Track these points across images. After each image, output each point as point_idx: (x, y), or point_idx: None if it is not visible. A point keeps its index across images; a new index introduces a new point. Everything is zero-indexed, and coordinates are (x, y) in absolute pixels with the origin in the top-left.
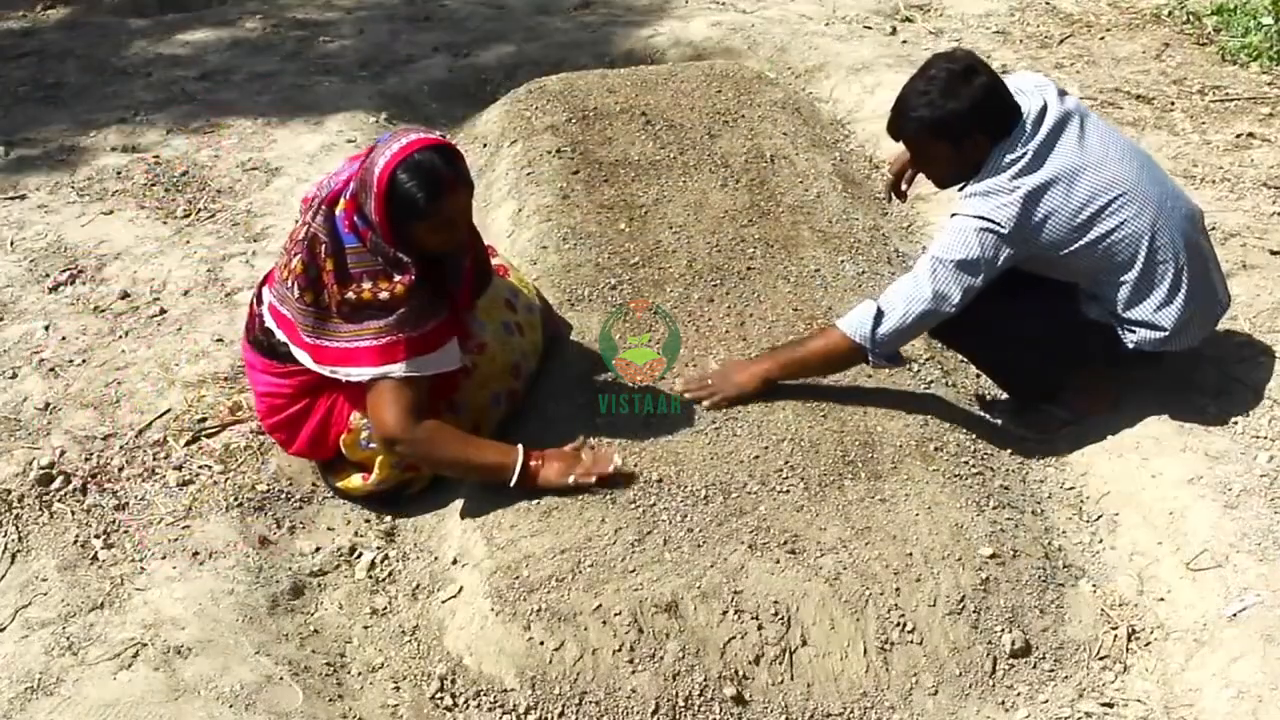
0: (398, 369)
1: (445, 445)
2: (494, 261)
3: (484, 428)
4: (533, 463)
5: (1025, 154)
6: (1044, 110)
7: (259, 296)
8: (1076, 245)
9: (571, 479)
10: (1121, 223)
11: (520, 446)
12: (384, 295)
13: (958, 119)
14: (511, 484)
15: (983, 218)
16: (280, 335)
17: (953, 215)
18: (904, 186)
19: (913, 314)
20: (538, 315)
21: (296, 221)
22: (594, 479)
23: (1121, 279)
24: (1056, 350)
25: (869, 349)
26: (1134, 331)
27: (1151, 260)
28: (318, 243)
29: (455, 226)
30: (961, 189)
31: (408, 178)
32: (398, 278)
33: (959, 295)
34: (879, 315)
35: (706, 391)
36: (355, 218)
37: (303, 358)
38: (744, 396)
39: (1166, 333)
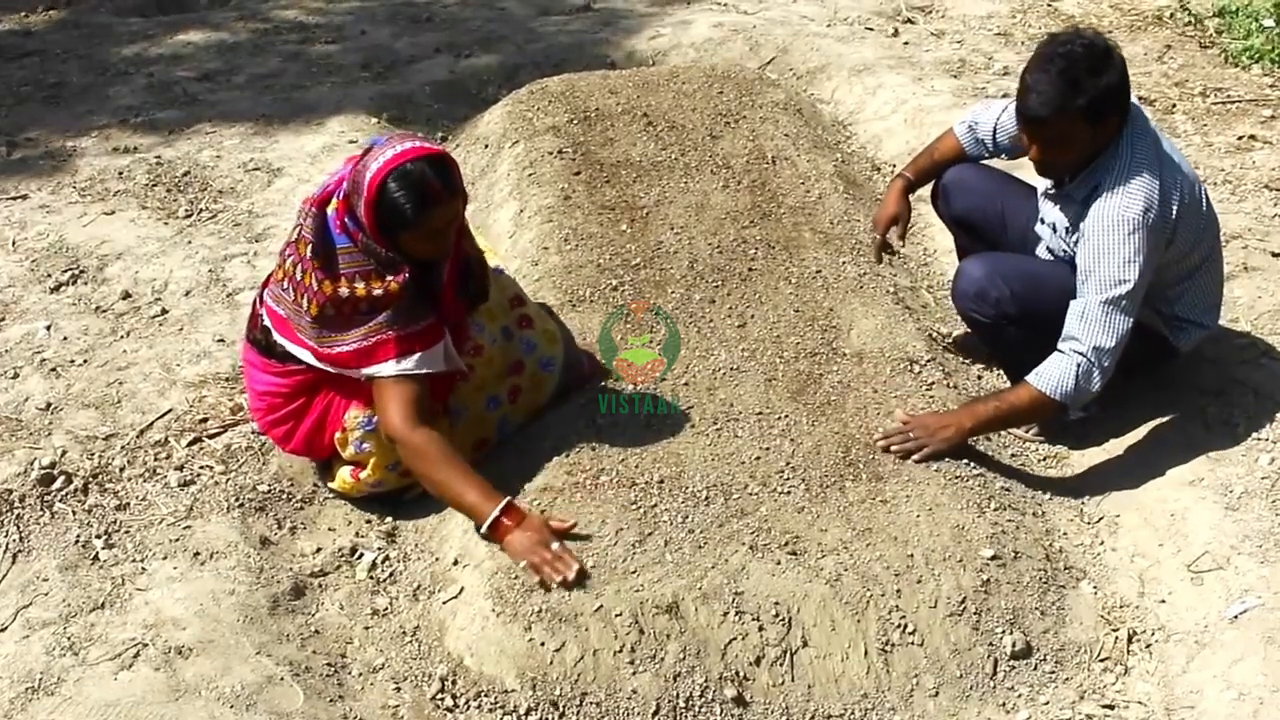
0: (389, 367)
1: (435, 464)
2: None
3: (486, 429)
4: (507, 521)
5: (1150, 141)
6: (1136, 101)
7: (261, 296)
8: (1190, 236)
9: (524, 562)
10: (1209, 218)
11: (506, 500)
12: (377, 292)
13: (1110, 95)
14: (480, 533)
15: (1133, 226)
16: (277, 335)
17: (1097, 221)
18: (898, 242)
19: (1107, 365)
20: (550, 315)
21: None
22: (546, 570)
23: (1194, 274)
24: None
25: (1070, 405)
26: (1183, 330)
27: (1214, 254)
28: (304, 244)
29: (443, 236)
30: (1061, 183)
31: (397, 187)
32: (390, 277)
33: (1134, 316)
34: (1078, 374)
35: (914, 444)
36: (346, 219)
37: (303, 355)
38: (949, 451)
39: (1209, 330)
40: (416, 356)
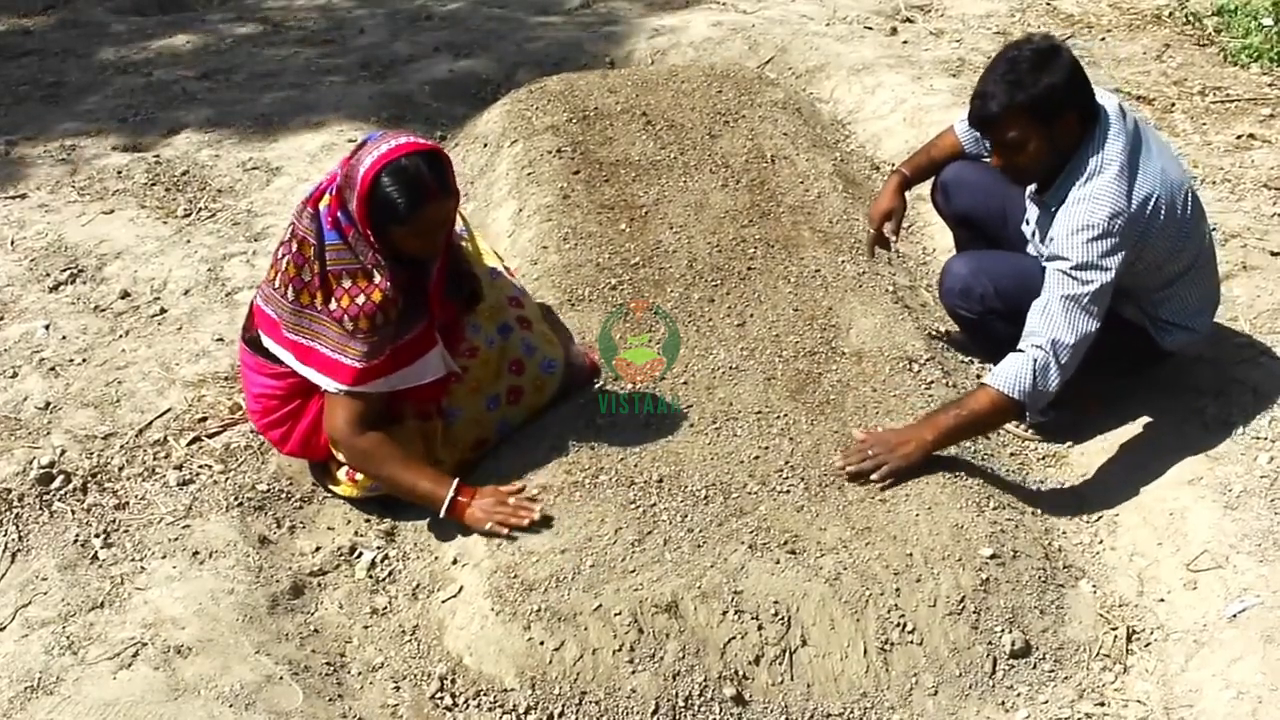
0: (379, 384)
1: (382, 462)
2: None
3: (485, 429)
4: (461, 499)
5: (1121, 147)
6: (1118, 106)
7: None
8: (1166, 244)
9: (489, 525)
10: (1194, 222)
11: (455, 481)
12: (360, 300)
13: (1054, 93)
14: (440, 516)
15: (1099, 230)
16: (264, 337)
17: (1063, 225)
18: (892, 238)
19: (1065, 361)
20: (544, 315)
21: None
22: (506, 531)
23: (1179, 280)
24: (1095, 351)
25: (1028, 404)
26: (1170, 332)
27: (1203, 262)
28: (307, 245)
29: (434, 234)
30: (1041, 190)
31: (390, 181)
32: (376, 280)
33: (1099, 321)
34: (1035, 370)
35: (872, 464)
36: (339, 214)
37: (285, 356)
38: (911, 468)
39: (1198, 335)
40: (391, 377)
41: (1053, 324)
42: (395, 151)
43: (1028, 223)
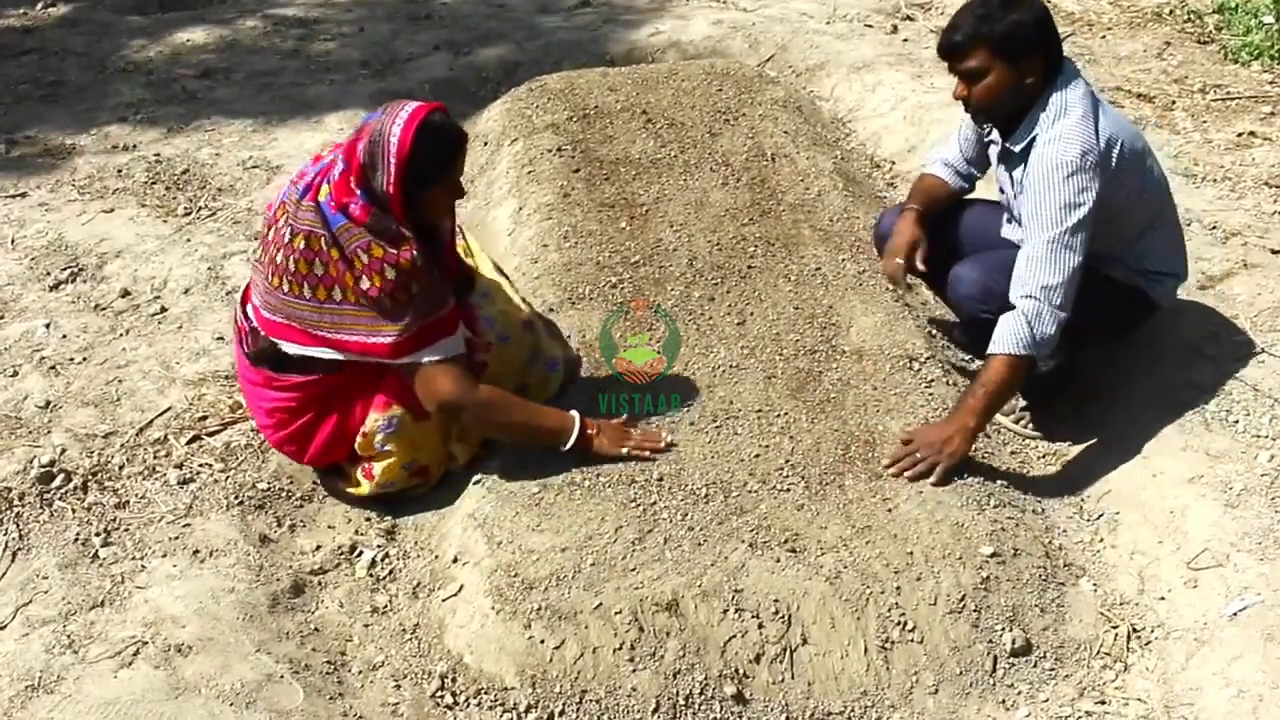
0: (430, 353)
1: (506, 410)
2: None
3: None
4: (589, 430)
5: (1082, 94)
6: (1075, 66)
7: (244, 312)
8: (1134, 183)
9: (625, 449)
10: (1153, 167)
11: (576, 414)
12: (390, 273)
13: (1022, 31)
14: (567, 448)
15: (1072, 168)
16: (290, 347)
17: (1037, 166)
18: (920, 266)
19: (1059, 301)
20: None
21: (268, 233)
22: (646, 452)
23: (1151, 227)
24: (1094, 316)
25: (1036, 354)
26: (1161, 282)
27: (1169, 205)
28: (315, 238)
29: (460, 186)
30: (1004, 135)
31: (430, 139)
32: (401, 249)
33: (1082, 255)
34: (1029, 320)
35: (925, 466)
36: (359, 193)
37: (323, 352)
38: (962, 461)
39: (1181, 279)
40: (443, 342)
41: (1036, 269)
42: (418, 113)
43: (1001, 191)
